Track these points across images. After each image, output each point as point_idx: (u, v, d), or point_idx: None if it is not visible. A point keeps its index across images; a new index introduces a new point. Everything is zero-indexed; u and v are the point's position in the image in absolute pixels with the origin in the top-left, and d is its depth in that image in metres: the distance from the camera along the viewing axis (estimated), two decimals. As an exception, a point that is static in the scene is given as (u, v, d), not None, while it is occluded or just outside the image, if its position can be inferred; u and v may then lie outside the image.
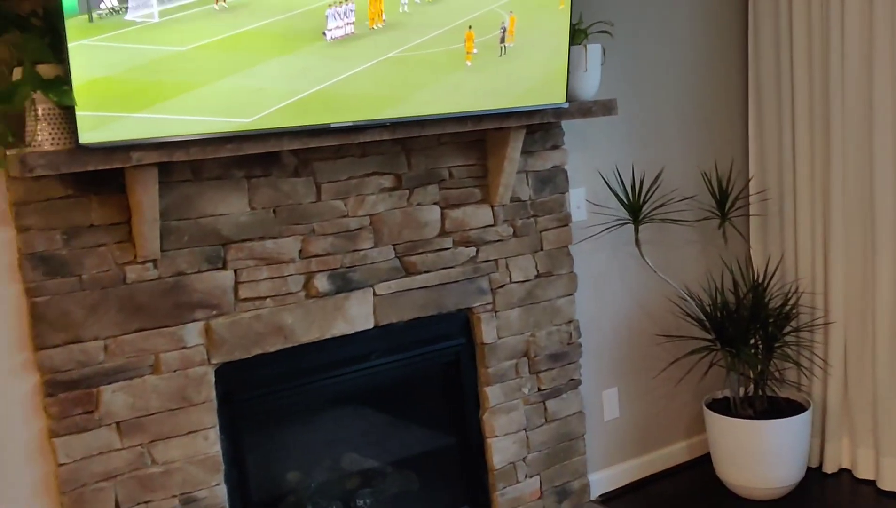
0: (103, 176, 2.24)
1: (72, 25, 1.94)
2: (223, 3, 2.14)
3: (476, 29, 2.54)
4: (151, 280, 2.35)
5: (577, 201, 3.19)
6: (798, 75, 3.35)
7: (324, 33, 2.29)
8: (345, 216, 2.65)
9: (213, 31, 2.14)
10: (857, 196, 3.26)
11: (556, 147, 3.04)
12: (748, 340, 3.22)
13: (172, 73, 2.10)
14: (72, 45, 1.95)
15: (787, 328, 3.28)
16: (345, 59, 2.34)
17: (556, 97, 2.72)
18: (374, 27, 2.37)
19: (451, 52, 2.51)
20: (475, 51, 2.55)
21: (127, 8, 2.01)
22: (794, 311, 3.33)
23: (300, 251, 2.58)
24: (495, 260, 2.94)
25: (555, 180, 3.05)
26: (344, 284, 2.66)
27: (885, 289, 3.19)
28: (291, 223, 2.56)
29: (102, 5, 1.98)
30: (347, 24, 2.32)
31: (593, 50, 2.82)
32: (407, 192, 2.76)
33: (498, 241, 2.94)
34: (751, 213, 3.57)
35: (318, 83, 2.31)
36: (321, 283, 2.61)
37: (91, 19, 1.97)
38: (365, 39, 2.36)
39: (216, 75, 2.16)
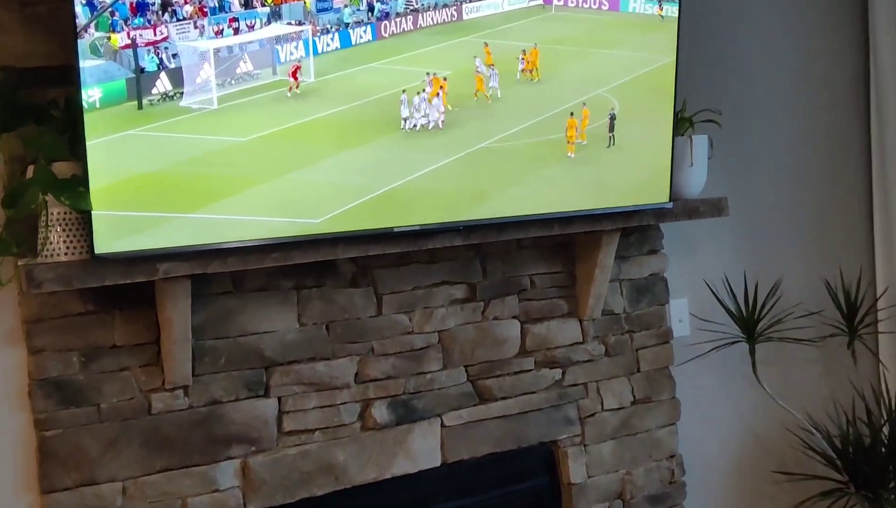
0: (129, 290, 2.04)
1: (119, 113, 1.79)
2: (296, 91, 1.96)
3: (578, 115, 2.34)
4: (180, 410, 2.16)
5: (680, 314, 2.95)
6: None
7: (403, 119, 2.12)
8: (409, 333, 2.45)
9: (279, 119, 1.97)
10: None
11: (654, 252, 2.81)
12: (888, 482, 2.81)
13: (227, 167, 1.92)
14: (116, 136, 1.78)
15: (937, 469, 2.81)
16: (426, 151, 2.15)
17: (660, 196, 2.50)
18: (454, 109, 2.17)
19: (551, 142, 2.30)
20: (581, 141, 2.33)
21: (182, 93, 1.84)
22: (943, 448, 2.85)
23: (356, 375, 2.37)
24: (584, 384, 2.70)
25: (653, 290, 2.81)
26: (406, 413, 2.43)
27: None
28: (347, 342, 2.36)
29: (155, 90, 1.82)
30: (438, 111, 2.15)
31: (699, 142, 2.59)
32: (481, 304, 2.55)
33: (588, 361, 2.70)
34: (882, 330, 3.17)
35: (392, 180, 2.11)
36: (380, 412, 2.39)
37: (141, 106, 1.81)
38: (447, 131, 2.16)
39: (275, 171, 1.98)
